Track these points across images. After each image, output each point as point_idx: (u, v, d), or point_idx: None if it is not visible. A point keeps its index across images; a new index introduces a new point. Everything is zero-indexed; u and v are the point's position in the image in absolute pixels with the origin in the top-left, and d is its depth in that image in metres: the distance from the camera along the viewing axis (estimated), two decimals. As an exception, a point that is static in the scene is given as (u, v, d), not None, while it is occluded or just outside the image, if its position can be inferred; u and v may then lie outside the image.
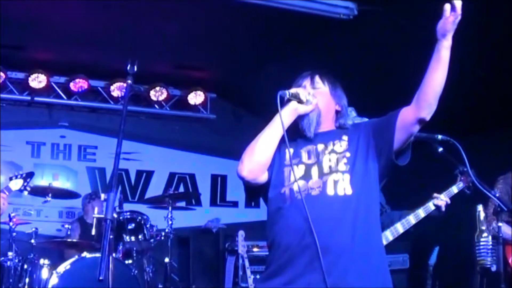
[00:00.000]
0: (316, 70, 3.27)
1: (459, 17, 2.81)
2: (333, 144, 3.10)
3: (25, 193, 6.66)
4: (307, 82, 3.22)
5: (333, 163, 3.04)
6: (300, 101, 3.08)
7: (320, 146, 3.11)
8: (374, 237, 3.02)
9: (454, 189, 4.48)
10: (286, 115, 3.06)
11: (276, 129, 3.07)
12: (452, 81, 2.91)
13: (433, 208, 4.47)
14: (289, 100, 3.09)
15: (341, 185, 2.96)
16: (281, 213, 3.01)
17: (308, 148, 3.12)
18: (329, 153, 3.07)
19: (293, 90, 3.10)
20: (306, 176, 3.03)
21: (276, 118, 3.07)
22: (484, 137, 7.29)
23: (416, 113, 2.95)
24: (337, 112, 3.22)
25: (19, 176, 6.44)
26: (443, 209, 4.46)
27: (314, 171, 3.03)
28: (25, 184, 6.49)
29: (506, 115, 7.11)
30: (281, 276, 2.92)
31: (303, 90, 3.12)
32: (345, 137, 3.13)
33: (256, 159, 3.09)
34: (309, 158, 3.10)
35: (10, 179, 6.35)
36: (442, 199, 4.47)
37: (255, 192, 3.21)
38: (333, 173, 3.00)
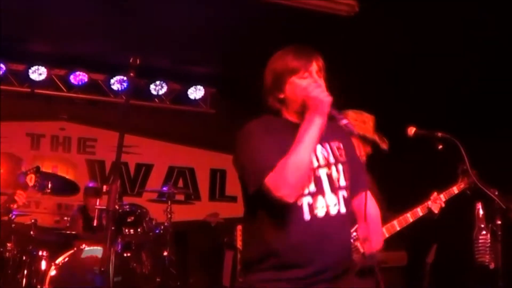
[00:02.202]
0: (319, 55, 2.93)
1: None
2: (331, 148, 2.88)
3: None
4: (314, 68, 2.88)
5: (341, 177, 2.86)
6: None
7: (319, 148, 2.84)
8: None
9: (455, 189, 4.37)
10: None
11: (316, 138, 2.70)
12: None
13: (432, 206, 4.35)
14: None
15: (347, 202, 2.85)
16: (299, 227, 2.72)
17: None
18: (335, 164, 2.86)
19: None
20: (320, 190, 2.78)
21: (318, 127, 2.68)
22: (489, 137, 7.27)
23: None
24: None
25: (30, 172, 6.39)
26: (436, 212, 4.30)
27: (325, 183, 2.80)
28: (37, 179, 6.45)
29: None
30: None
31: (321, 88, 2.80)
32: (340, 144, 2.94)
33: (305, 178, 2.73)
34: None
35: (25, 174, 6.28)
36: (436, 204, 4.31)
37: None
38: (342, 189, 2.85)
